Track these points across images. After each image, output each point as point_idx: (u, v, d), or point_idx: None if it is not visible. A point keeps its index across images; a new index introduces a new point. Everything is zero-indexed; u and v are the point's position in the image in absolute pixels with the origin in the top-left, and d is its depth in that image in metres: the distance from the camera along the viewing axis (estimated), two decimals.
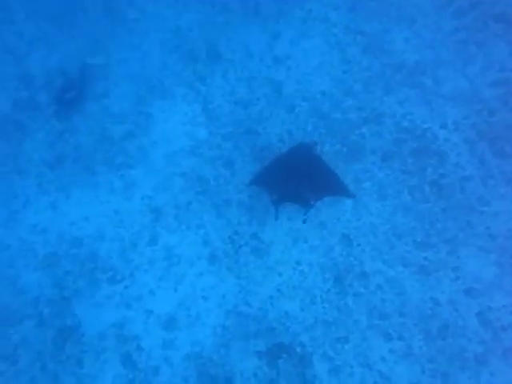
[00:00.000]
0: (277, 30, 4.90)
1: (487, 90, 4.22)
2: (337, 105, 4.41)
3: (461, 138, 4.06)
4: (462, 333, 3.31)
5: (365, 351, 3.16)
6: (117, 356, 3.70)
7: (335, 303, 3.36)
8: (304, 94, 4.51)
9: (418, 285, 3.46)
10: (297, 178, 3.72)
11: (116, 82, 4.91)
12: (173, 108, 4.75)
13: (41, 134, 4.75)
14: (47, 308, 3.96)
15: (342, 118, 4.35)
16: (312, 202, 3.61)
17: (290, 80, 4.58)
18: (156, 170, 4.49)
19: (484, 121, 4.09)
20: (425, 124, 4.15)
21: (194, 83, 4.73)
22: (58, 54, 5.15)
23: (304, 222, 3.69)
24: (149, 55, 4.93)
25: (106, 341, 3.76)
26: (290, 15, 4.97)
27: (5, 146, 4.79)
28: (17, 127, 4.80)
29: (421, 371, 3.24)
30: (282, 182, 3.74)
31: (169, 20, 5.16)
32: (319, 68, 4.64)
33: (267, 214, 3.99)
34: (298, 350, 3.30)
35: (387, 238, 3.69)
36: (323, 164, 3.83)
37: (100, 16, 5.17)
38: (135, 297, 3.92)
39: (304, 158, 3.91)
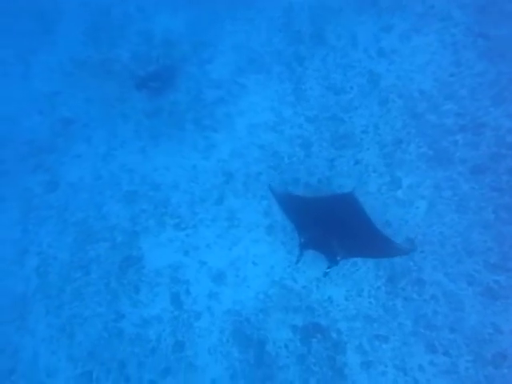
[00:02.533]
0: (390, 22, 4.99)
1: None
2: (434, 107, 4.37)
3: None
4: None
5: (403, 355, 3.20)
6: (167, 293, 4.31)
7: (382, 302, 3.44)
8: (401, 90, 4.55)
9: (480, 306, 3.36)
10: (332, 227, 3.56)
11: (222, 51, 5.50)
12: (266, 83, 5.19)
13: (151, 83, 5.55)
14: (120, 236, 4.74)
15: (436, 121, 4.30)
16: (339, 259, 3.39)
17: (390, 74, 4.67)
18: (237, 137, 4.99)
19: None
20: None
21: (292, 63, 5.11)
22: (179, 18, 5.93)
23: (324, 275, 3.58)
24: (257, 30, 5.43)
25: (161, 277, 4.40)
26: (409, 9, 5.01)
27: (117, 90, 5.74)
28: (130, 76, 5.76)
29: None
30: (315, 227, 3.58)
31: None
32: (425, 67, 4.63)
33: None
34: (334, 335, 3.47)
35: (456, 252, 3.62)
36: (368, 221, 3.52)
37: None
38: (193, 246, 4.49)
39: (347, 208, 3.67)
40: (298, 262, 3.59)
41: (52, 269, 4.63)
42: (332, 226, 3.56)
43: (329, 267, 3.40)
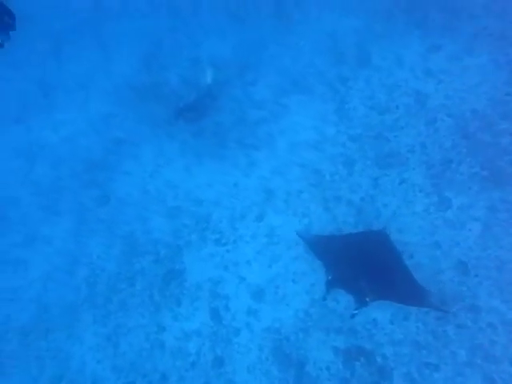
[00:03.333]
0: (438, 43, 5.03)
1: None
2: (488, 126, 4.27)
3: None
4: None
5: None
6: (207, 307, 4.39)
7: (432, 327, 3.29)
8: (451, 109, 4.51)
9: None
10: (361, 266, 3.42)
11: (265, 74, 5.78)
12: (308, 103, 5.34)
13: (196, 106, 5.86)
14: (164, 250, 4.96)
15: (490, 141, 4.19)
16: (367, 300, 3.26)
17: (438, 94, 4.65)
18: (278, 155, 5.12)
19: None
20: None
21: (335, 84, 5.24)
22: (226, 44, 6.34)
23: (352, 316, 3.44)
24: (300, 53, 5.68)
25: (201, 291, 4.52)
26: (459, 30, 5.04)
27: (164, 112, 6.11)
28: (177, 98, 6.10)
29: None
30: (344, 265, 3.49)
31: (327, 24, 5.84)
32: (477, 87, 4.58)
33: (376, 219, 4.14)
34: (379, 360, 3.34)
35: None
36: (400, 262, 3.40)
37: (269, 15, 6.22)
38: (233, 262, 4.58)
39: (379, 246, 3.57)
40: (324, 299, 3.55)
41: (100, 279, 4.93)
42: (362, 265, 3.44)
43: (356, 309, 3.28)
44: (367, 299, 3.26)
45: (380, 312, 3.56)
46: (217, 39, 6.39)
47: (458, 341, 3.16)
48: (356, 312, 3.31)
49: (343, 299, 3.88)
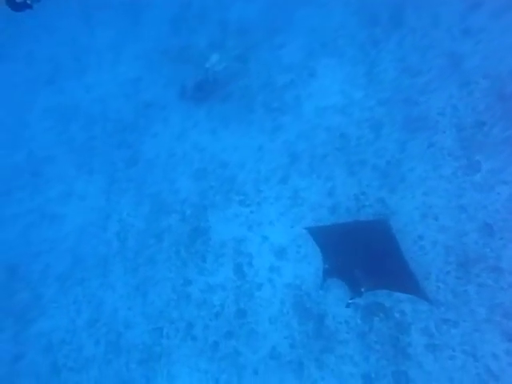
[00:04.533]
0: (479, 0, 4.74)
1: None
2: None
3: None
4: None
5: (474, 342, 3.12)
6: (231, 264, 4.61)
7: (452, 286, 3.35)
8: (488, 70, 4.35)
9: None
10: (358, 256, 3.45)
11: (294, 36, 5.72)
12: (337, 66, 5.27)
13: (224, 69, 5.87)
14: (190, 209, 5.18)
15: None
16: (363, 290, 3.31)
17: (476, 55, 4.48)
18: (304, 119, 5.14)
19: None
20: None
21: (366, 46, 5.14)
22: (254, 6, 6.18)
23: (347, 306, 3.52)
24: (331, 14, 5.57)
25: (225, 249, 4.72)
26: None
27: (191, 75, 6.07)
28: (206, 61, 6.01)
29: None
30: (340, 255, 3.52)
31: None
32: None
33: (402, 182, 4.16)
34: (397, 315, 3.46)
35: None
36: (398, 252, 3.37)
37: None
38: (257, 222, 4.73)
39: (379, 237, 3.54)
40: (321, 287, 3.71)
41: (130, 235, 5.21)
42: (359, 254, 3.47)
43: (352, 298, 3.36)
44: (362, 289, 3.32)
45: None
46: (245, 1, 6.31)
47: (478, 299, 3.22)
48: (351, 302, 3.42)
49: None
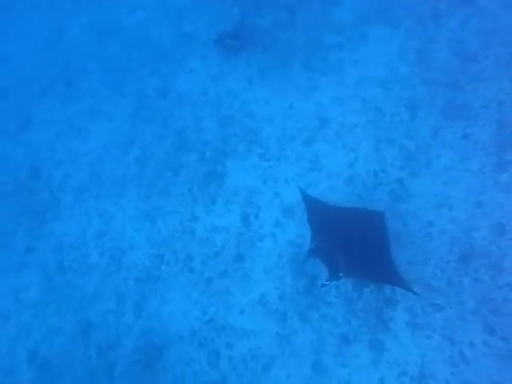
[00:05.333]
0: None
1: None
2: None
3: None
4: None
5: (455, 328, 3.24)
6: (239, 211, 4.72)
7: (448, 275, 3.44)
8: None
9: None
10: (346, 243, 3.46)
11: None
12: (390, 36, 5.02)
13: (270, 17, 5.72)
14: (210, 152, 5.23)
15: None
16: (340, 275, 3.35)
17: None
18: (342, 85, 4.98)
19: None
20: None
21: (426, 20, 4.86)
22: None
23: (322, 286, 3.63)
24: None
25: (236, 196, 4.83)
26: None
27: (238, 14, 5.89)
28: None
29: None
30: (329, 237, 3.52)
31: None
32: None
33: (425, 168, 4.09)
34: (387, 291, 3.59)
35: None
36: (386, 246, 3.39)
37: None
38: (273, 177, 4.78)
39: (371, 227, 3.55)
40: (303, 263, 3.76)
41: (149, 163, 5.34)
42: (346, 241, 3.50)
43: (328, 280, 3.40)
44: (340, 274, 3.37)
45: (401, 252, 3.77)
46: None
47: (470, 291, 3.30)
48: (327, 283, 3.48)
49: None
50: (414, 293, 3.15)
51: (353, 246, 3.45)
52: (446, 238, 3.63)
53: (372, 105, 4.69)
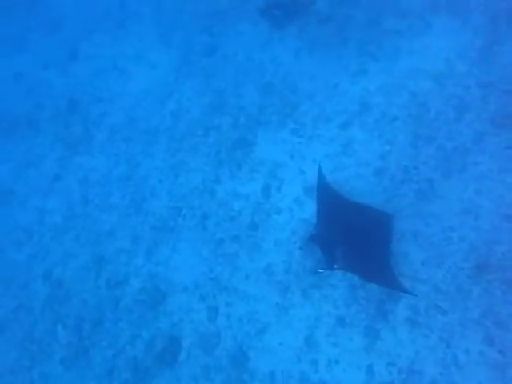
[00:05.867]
0: None
1: None
2: None
3: None
4: None
5: (454, 333, 3.26)
6: (262, 181, 4.72)
7: (459, 281, 3.42)
8: None
9: None
10: (348, 236, 3.50)
11: None
12: (456, 30, 4.77)
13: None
14: (244, 118, 5.20)
15: None
16: (335, 267, 3.45)
17: None
18: (393, 74, 4.83)
19: None
20: None
21: (499, 19, 4.61)
22: None
23: (315, 273, 3.75)
24: None
25: (262, 167, 4.82)
26: None
27: None
28: None
29: None
30: (333, 227, 3.56)
31: None
32: None
33: (460, 172, 3.98)
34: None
35: None
36: (386, 249, 3.45)
37: None
38: (301, 154, 4.75)
39: (376, 227, 3.59)
40: (300, 248, 3.90)
41: (183, 118, 5.42)
42: (349, 235, 3.54)
43: (322, 269, 3.52)
44: (335, 266, 3.48)
45: (416, 250, 3.72)
46: None
47: (477, 301, 3.28)
48: (321, 271, 3.60)
49: None
50: (410, 293, 3.19)
51: (354, 241, 3.53)
52: (464, 245, 3.58)
53: (419, 99, 4.55)
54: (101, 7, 6.76)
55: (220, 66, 5.65)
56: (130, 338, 4.12)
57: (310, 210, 4.38)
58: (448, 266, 3.51)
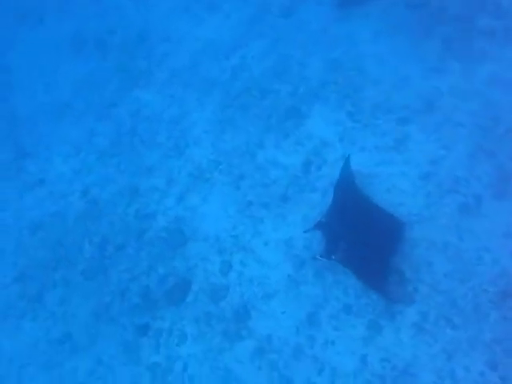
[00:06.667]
0: None
1: None
2: None
3: None
4: None
5: (459, 349, 3.23)
6: (304, 156, 4.59)
7: (478, 302, 3.31)
8: None
9: None
10: (353, 232, 3.56)
11: None
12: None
13: None
14: (303, 89, 5.06)
15: None
16: (333, 258, 3.56)
17: None
18: (470, 79, 4.46)
19: None
20: None
21: None
22: None
23: (313, 258, 3.80)
24: None
25: (308, 142, 4.69)
26: None
27: None
28: None
29: None
30: (340, 218, 3.63)
31: None
32: None
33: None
34: (410, 288, 3.56)
35: None
36: (389, 254, 3.52)
37: None
38: (351, 140, 4.54)
39: (387, 232, 3.62)
40: (305, 231, 3.88)
41: (243, 75, 5.44)
42: (356, 232, 3.61)
43: (321, 256, 3.64)
44: (333, 257, 3.60)
45: (442, 261, 3.62)
46: None
47: (493, 325, 3.22)
48: (318, 258, 3.69)
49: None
50: (395, 302, 3.30)
51: (358, 239, 3.60)
52: (496, 269, 3.47)
53: (492, 111, 4.31)
54: None
55: (292, 31, 5.59)
56: (146, 269, 4.44)
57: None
58: (472, 285, 3.44)
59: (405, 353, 3.37)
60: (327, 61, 5.25)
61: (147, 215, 4.82)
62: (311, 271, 4.02)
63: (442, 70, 4.73)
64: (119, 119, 5.62)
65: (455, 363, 3.22)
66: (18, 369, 4.29)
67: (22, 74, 6.69)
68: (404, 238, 3.80)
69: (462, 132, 4.35)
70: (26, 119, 6.17)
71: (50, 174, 5.51)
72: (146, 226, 4.73)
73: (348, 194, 3.95)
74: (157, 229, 4.69)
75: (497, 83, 4.47)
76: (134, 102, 5.72)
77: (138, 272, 4.47)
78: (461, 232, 3.78)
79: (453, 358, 3.23)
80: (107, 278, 4.53)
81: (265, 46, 5.61)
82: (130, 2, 6.78)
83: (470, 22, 4.86)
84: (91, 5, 6.99)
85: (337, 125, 4.79)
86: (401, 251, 3.76)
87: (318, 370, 3.48)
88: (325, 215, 3.88)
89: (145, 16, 6.47)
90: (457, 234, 3.78)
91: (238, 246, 4.36)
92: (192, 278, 4.28)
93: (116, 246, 4.68)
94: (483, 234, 3.72)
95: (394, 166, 4.36)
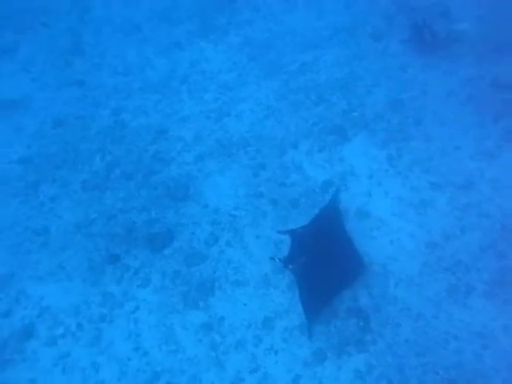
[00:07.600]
0: None
1: None
2: None
3: None
4: None
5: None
6: (328, 175, 4.71)
7: (428, 381, 3.43)
8: None
9: None
10: (319, 254, 3.77)
11: None
12: None
13: None
14: (357, 113, 5.18)
15: None
16: (290, 267, 3.81)
17: None
18: None
19: None
20: None
21: None
22: None
23: (271, 259, 4.01)
24: None
25: (338, 163, 4.81)
26: None
27: None
28: None
29: None
30: (312, 239, 3.84)
31: None
32: None
33: (504, 303, 3.81)
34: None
35: None
36: (338, 289, 3.76)
37: None
38: (379, 181, 4.64)
39: (344, 265, 3.82)
40: (278, 231, 4.09)
41: (308, 74, 5.61)
42: (320, 256, 3.81)
43: (278, 259, 3.90)
44: (290, 266, 3.85)
45: (407, 325, 3.75)
46: None
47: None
48: (277, 260, 3.92)
49: None
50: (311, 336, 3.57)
51: (318, 261, 3.81)
52: (455, 358, 3.46)
53: None
54: None
55: (374, 55, 5.70)
56: (139, 206, 4.61)
57: (351, 228, 4.30)
58: (426, 362, 3.47)
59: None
60: (392, 98, 5.34)
61: (163, 159, 5.00)
62: (287, 280, 4.12)
63: (494, 157, 4.74)
64: (177, 61, 5.84)
65: None
66: None
67: None
68: (358, 278, 3.96)
69: (485, 223, 4.37)
70: (95, 24, 6.41)
71: (92, 79, 5.75)
72: (158, 169, 4.91)
73: (330, 219, 4.21)
74: (167, 176, 4.87)
75: None
76: (197, 52, 5.94)
77: (131, 205, 4.64)
78: (439, 311, 3.84)
79: None
80: (102, 197, 4.72)
81: (341, 56, 5.74)
82: None
83: None
84: None
85: (373, 161, 4.89)
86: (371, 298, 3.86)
87: (252, 370, 3.60)
88: (302, 227, 4.14)
89: None
90: (434, 311, 3.84)
91: (231, 226, 4.50)
92: (177, 235, 4.44)
93: (123, 173, 4.88)
94: (458, 323, 3.77)
95: (408, 222, 4.44)
